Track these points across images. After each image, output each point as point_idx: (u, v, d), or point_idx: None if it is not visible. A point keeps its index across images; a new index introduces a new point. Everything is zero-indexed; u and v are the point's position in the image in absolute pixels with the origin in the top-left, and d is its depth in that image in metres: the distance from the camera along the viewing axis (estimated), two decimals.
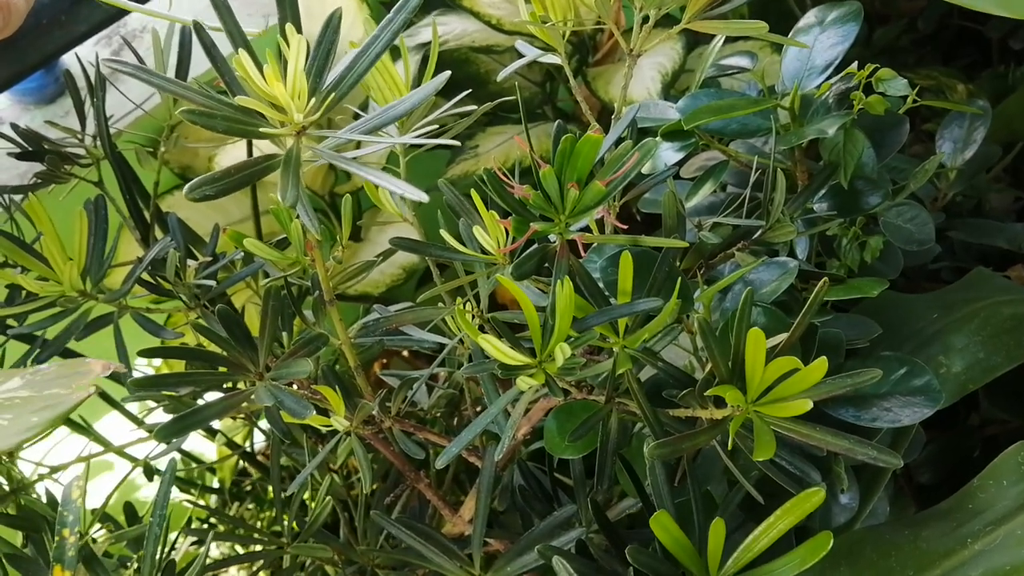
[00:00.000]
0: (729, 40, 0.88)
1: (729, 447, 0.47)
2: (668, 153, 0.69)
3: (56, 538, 0.53)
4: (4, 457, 0.79)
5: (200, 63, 0.73)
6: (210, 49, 0.46)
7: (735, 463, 0.52)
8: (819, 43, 0.70)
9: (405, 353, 1.22)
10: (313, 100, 0.44)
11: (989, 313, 0.68)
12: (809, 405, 0.44)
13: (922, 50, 1.54)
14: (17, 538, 0.71)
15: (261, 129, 0.42)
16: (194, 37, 0.45)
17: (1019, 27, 1.40)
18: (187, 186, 0.39)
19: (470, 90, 0.63)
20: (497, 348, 0.46)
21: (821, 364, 0.44)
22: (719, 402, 0.49)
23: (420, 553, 0.61)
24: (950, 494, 0.62)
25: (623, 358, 0.51)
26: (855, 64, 0.68)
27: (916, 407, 0.53)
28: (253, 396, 0.52)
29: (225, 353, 0.53)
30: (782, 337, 0.50)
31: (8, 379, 0.55)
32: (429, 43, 1.07)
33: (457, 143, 0.44)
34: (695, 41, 1.04)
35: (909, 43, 1.53)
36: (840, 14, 0.71)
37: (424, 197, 0.39)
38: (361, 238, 1.11)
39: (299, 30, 0.45)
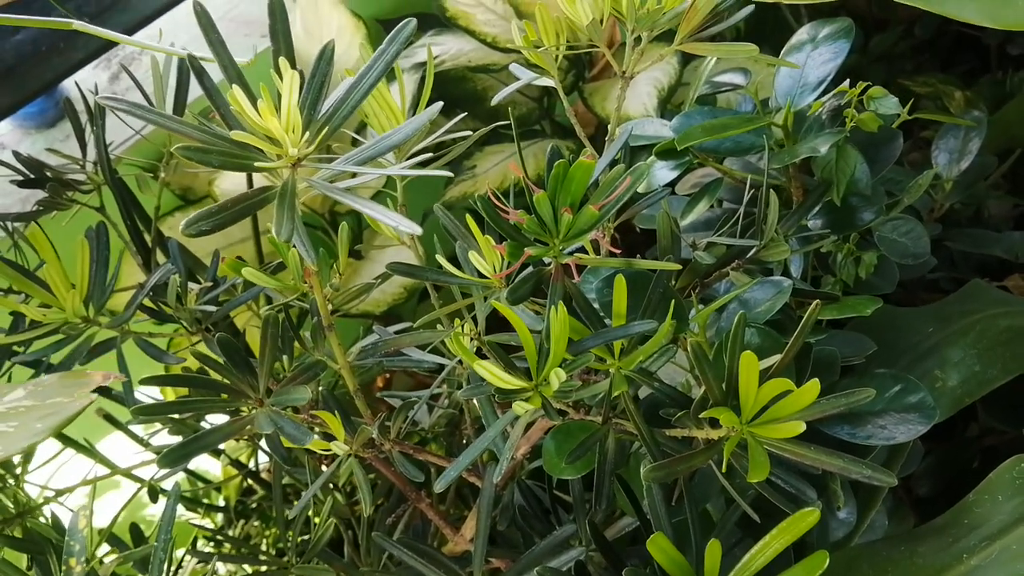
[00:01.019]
0: None
1: (724, 469, 0.47)
2: (663, 172, 0.70)
3: (63, 567, 0.54)
4: (11, 480, 0.80)
5: (198, 87, 0.74)
6: (205, 83, 0.46)
7: (731, 482, 0.53)
8: (811, 60, 0.71)
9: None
10: (307, 133, 0.44)
11: (985, 326, 0.68)
12: (802, 427, 0.45)
13: (920, 56, 1.55)
14: (22, 561, 0.72)
15: (256, 163, 0.43)
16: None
17: (1017, 33, 1.40)
18: (183, 222, 0.40)
19: (470, 112, 0.64)
20: (493, 374, 0.46)
21: (813, 386, 0.45)
22: (714, 422, 0.49)
23: (422, 573, 0.61)
24: (949, 506, 0.62)
25: (619, 380, 0.51)
26: (852, 73, 0.69)
27: (911, 424, 0.54)
28: (254, 422, 0.53)
29: (226, 380, 0.54)
30: (777, 357, 0.51)
31: (12, 391, 0.56)
32: (426, 63, 1.08)
33: (449, 174, 0.45)
34: (691, 55, 1.04)
35: (907, 49, 1.53)
36: (832, 31, 0.71)
37: (417, 230, 0.40)
38: (362, 256, 1.11)
39: (293, 63, 0.46)
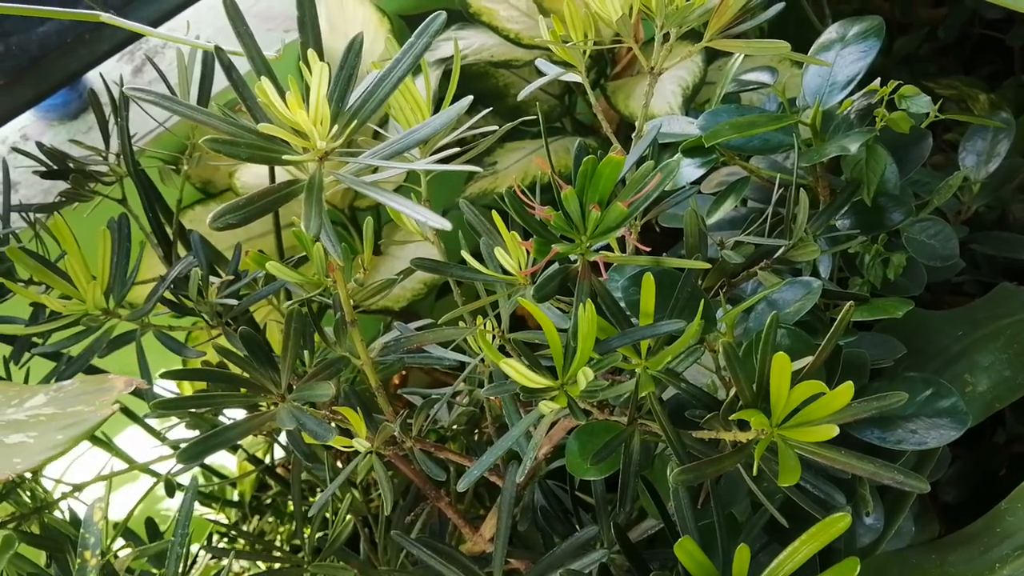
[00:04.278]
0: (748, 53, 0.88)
1: (754, 472, 0.47)
2: (689, 169, 0.69)
3: (78, 560, 0.54)
4: (28, 474, 0.80)
5: (224, 79, 0.73)
6: (232, 76, 0.46)
7: (759, 486, 0.52)
8: (840, 59, 0.70)
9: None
10: (335, 126, 0.44)
11: (1015, 330, 0.67)
12: (835, 431, 0.44)
13: (943, 59, 1.53)
14: (41, 558, 0.72)
15: (284, 156, 0.42)
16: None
17: None
18: (210, 216, 0.39)
19: (491, 107, 0.63)
20: (519, 372, 0.46)
21: (847, 389, 0.44)
22: (743, 425, 0.48)
23: (440, 573, 0.61)
24: (976, 513, 0.61)
25: (645, 380, 0.51)
26: (875, 76, 0.68)
27: (942, 429, 0.53)
28: (276, 418, 0.52)
29: (247, 374, 0.53)
30: (807, 359, 0.50)
31: (33, 396, 0.55)
32: (448, 58, 1.08)
33: (478, 169, 0.44)
34: (716, 53, 1.03)
35: (930, 52, 1.52)
36: (861, 29, 0.70)
37: (447, 225, 0.39)
38: (381, 252, 1.11)
39: (321, 55, 0.45)
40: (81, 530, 0.57)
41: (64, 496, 0.79)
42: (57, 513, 0.78)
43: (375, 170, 0.46)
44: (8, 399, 0.55)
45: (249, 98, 0.46)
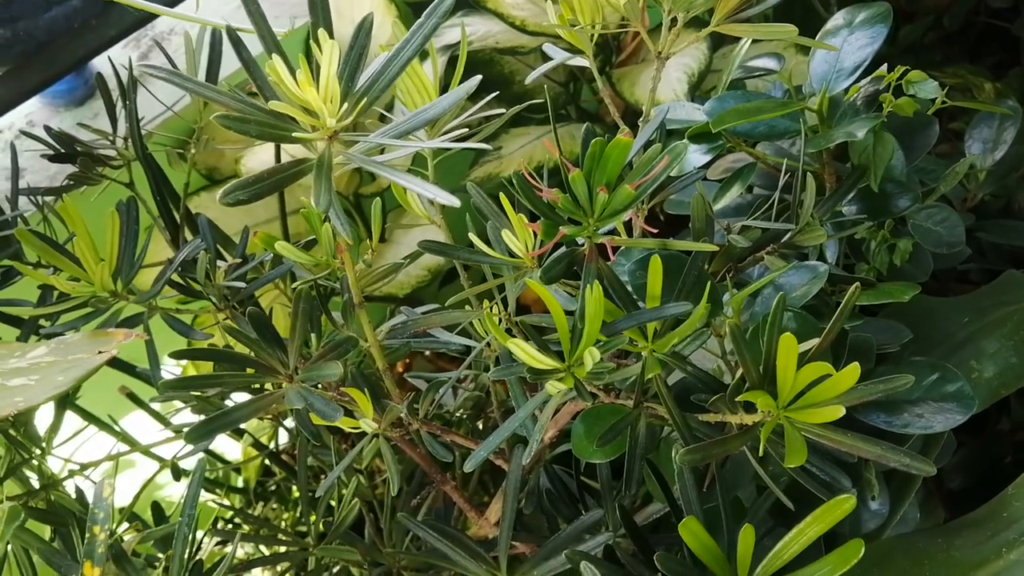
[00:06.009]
0: (755, 40, 0.88)
1: (760, 453, 0.47)
2: (695, 155, 0.69)
3: (87, 535, 0.54)
4: (35, 451, 0.80)
5: (230, 63, 0.73)
6: (242, 54, 0.46)
7: (765, 468, 0.52)
8: (847, 45, 0.69)
9: (427, 352, 1.22)
10: (345, 105, 0.44)
11: (1022, 318, 0.67)
12: (841, 412, 0.44)
13: (948, 48, 1.53)
14: (45, 532, 0.72)
15: (294, 134, 0.42)
16: (224, 38, 0.46)
17: None
18: (220, 191, 0.39)
19: (496, 92, 0.63)
20: (526, 352, 0.46)
21: (853, 370, 0.44)
22: (749, 407, 0.49)
23: (446, 555, 0.61)
24: (981, 500, 0.61)
25: (652, 363, 0.51)
26: (880, 64, 0.68)
27: (948, 413, 0.53)
28: (283, 398, 0.52)
29: (254, 355, 0.54)
30: (813, 342, 0.50)
31: (35, 348, 0.56)
32: (455, 44, 1.08)
33: (488, 147, 0.44)
34: (721, 40, 1.03)
35: (935, 41, 1.51)
36: (869, 15, 0.70)
37: (456, 202, 0.39)
38: (386, 239, 1.11)
39: (331, 34, 0.45)
40: (91, 507, 0.57)
41: (71, 474, 0.80)
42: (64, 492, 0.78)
43: (382, 151, 0.46)
44: (11, 351, 0.55)
45: (259, 77, 0.46)
